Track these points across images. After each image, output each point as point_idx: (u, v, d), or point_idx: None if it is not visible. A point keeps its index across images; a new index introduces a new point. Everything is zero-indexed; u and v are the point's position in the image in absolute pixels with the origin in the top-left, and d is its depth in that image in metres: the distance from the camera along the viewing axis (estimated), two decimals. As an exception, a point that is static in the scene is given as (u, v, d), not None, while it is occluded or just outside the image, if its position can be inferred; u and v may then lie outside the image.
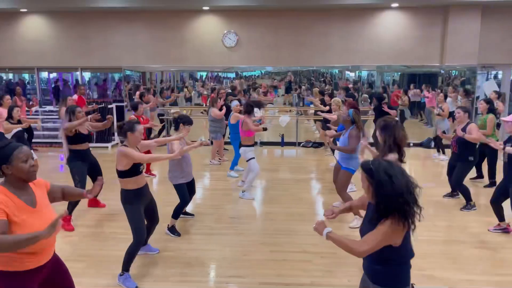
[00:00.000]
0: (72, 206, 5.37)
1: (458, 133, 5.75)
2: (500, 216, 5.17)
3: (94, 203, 6.13)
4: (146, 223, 4.13)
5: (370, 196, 2.24)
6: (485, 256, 4.52)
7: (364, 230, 2.32)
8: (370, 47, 10.87)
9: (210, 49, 11.16)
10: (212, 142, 8.80)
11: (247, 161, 6.57)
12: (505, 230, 5.16)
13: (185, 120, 5.04)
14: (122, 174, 3.84)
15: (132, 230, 3.90)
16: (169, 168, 5.03)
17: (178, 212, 5.11)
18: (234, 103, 7.87)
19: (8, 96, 8.39)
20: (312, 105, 11.56)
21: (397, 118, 3.84)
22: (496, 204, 5.12)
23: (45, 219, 2.37)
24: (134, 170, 3.84)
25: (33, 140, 10.30)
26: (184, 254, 4.58)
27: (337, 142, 5.88)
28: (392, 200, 2.12)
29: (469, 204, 5.96)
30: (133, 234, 3.90)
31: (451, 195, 6.49)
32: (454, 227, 5.39)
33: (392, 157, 3.46)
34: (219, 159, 8.94)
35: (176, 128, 5.07)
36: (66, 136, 5.44)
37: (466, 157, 5.83)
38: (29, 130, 10.10)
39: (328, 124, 7.56)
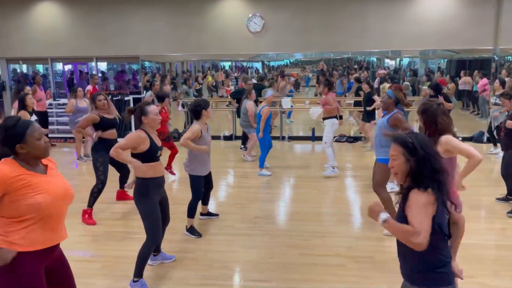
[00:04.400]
0: (94, 198, 5.60)
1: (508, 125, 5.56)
2: None
3: (122, 195, 6.38)
4: None
5: (401, 174, 2.23)
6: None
7: (399, 219, 2.28)
8: (412, 30, 10.56)
9: (234, 35, 11.14)
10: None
11: (325, 143, 7.35)
12: None
13: (205, 105, 4.97)
14: (136, 158, 3.82)
15: (145, 227, 3.85)
16: (188, 158, 5.02)
17: (193, 208, 5.10)
18: (269, 93, 7.79)
19: (28, 87, 8.67)
20: (349, 95, 11.41)
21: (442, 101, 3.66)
22: None
23: (54, 182, 2.51)
24: (149, 154, 3.80)
25: (48, 135, 10.63)
26: (204, 256, 4.60)
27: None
28: (429, 177, 2.15)
29: None
30: (147, 231, 3.85)
31: (506, 198, 6.01)
32: (508, 230, 5.17)
33: (449, 137, 3.34)
34: (254, 155, 8.90)
35: (197, 118, 4.99)
36: (92, 125, 5.65)
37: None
38: (45, 121, 10.41)
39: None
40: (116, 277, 4.14)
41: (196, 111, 4.93)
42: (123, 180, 6.22)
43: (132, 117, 4.18)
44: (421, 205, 2.11)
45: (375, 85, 11.70)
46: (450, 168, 3.30)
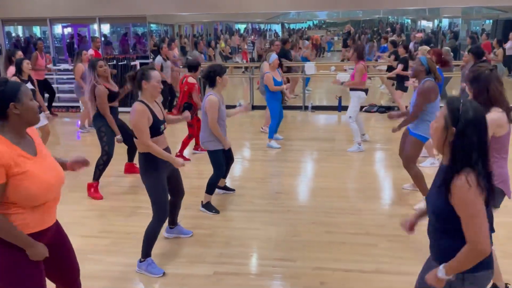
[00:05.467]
0: (99, 171, 5.69)
1: None
2: None
3: (131, 168, 6.47)
4: (169, 197, 4.13)
5: (436, 139, 2.19)
6: None
7: (432, 197, 2.27)
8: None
9: (251, -9, 10.95)
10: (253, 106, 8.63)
11: (350, 117, 7.31)
12: None
13: (220, 71, 4.93)
14: None
15: (152, 204, 3.88)
16: (202, 132, 5.04)
17: (213, 185, 5.15)
18: (273, 57, 7.58)
19: (20, 52, 8.70)
20: (380, 60, 11.23)
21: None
22: None
23: (46, 167, 2.45)
24: (152, 129, 3.79)
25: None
26: (222, 233, 4.66)
27: None
28: (470, 154, 2.08)
29: None
30: (154, 209, 3.89)
31: None
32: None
33: (496, 114, 3.23)
34: None
35: (211, 85, 4.96)
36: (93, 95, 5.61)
37: None
38: (50, 89, 10.48)
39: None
40: (126, 254, 4.23)
41: (210, 78, 4.89)
42: (131, 152, 6.30)
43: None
44: (474, 206, 2.05)
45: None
46: (500, 147, 3.24)
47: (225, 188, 5.73)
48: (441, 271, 2.15)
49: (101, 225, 4.89)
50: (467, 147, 2.08)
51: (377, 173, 6.55)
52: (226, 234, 4.64)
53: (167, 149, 4.00)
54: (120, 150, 6.17)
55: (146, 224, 3.97)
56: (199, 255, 4.22)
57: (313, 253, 4.21)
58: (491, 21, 13.03)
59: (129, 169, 6.50)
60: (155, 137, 3.84)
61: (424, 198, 5.12)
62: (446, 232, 2.20)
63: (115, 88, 5.77)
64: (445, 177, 2.14)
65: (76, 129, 9.41)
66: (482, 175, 2.08)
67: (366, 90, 7.56)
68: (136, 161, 6.31)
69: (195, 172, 6.53)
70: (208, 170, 5.56)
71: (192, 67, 7.01)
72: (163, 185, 3.90)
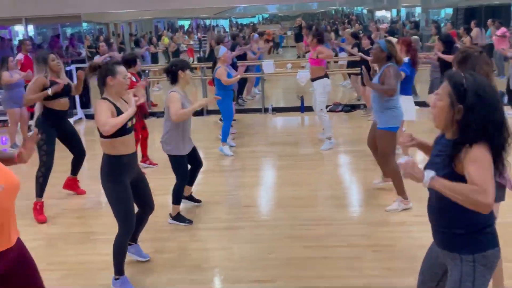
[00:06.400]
0: (40, 185, 5.44)
1: None
2: None
3: (71, 185, 6.10)
4: (137, 210, 4.10)
5: (440, 119, 2.25)
6: None
7: (433, 168, 2.32)
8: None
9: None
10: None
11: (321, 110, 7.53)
12: None
13: (183, 65, 4.92)
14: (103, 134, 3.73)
15: (116, 213, 3.84)
16: (164, 134, 4.98)
17: (179, 193, 5.10)
18: (222, 51, 7.45)
19: None
20: (344, 54, 11.41)
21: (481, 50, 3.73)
22: None
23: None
24: (121, 127, 3.73)
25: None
26: (189, 256, 4.57)
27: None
28: (483, 128, 2.15)
29: None
30: (119, 218, 3.84)
31: None
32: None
33: None
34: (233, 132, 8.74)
35: (174, 81, 4.92)
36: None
37: None
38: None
39: None
40: (82, 286, 4.09)
41: (172, 73, 4.88)
42: (76, 165, 5.99)
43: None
44: (485, 162, 2.14)
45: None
46: None
47: (190, 198, 5.61)
48: (430, 177, 2.17)
49: (50, 256, 4.64)
50: (479, 122, 2.14)
51: (349, 177, 6.64)
52: (194, 256, 4.54)
53: (134, 154, 3.95)
54: (62, 168, 5.92)
55: (101, 251, 3.97)
56: (167, 283, 4.11)
57: (293, 271, 4.18)
58: (451, 9, 13.53)
59: (70, 185, 6.09)
60: (122, 137, 3.76)
61: (398, 197, 5.23)
62: (451, 207, 2.22)
63: (64, 81, 5.50)
64: (453, 150, 2.21)
65: (2, 146, 8.97)
66: (500, 149, 2.18)
67: (328, 76, 7.72)
68: (79, 177, 6.12)
69: (157, 186, 6.35)
70: (160, 186, 5.50)
71: (129, 61, 6.59)
72: (127, 192, 3.85)
